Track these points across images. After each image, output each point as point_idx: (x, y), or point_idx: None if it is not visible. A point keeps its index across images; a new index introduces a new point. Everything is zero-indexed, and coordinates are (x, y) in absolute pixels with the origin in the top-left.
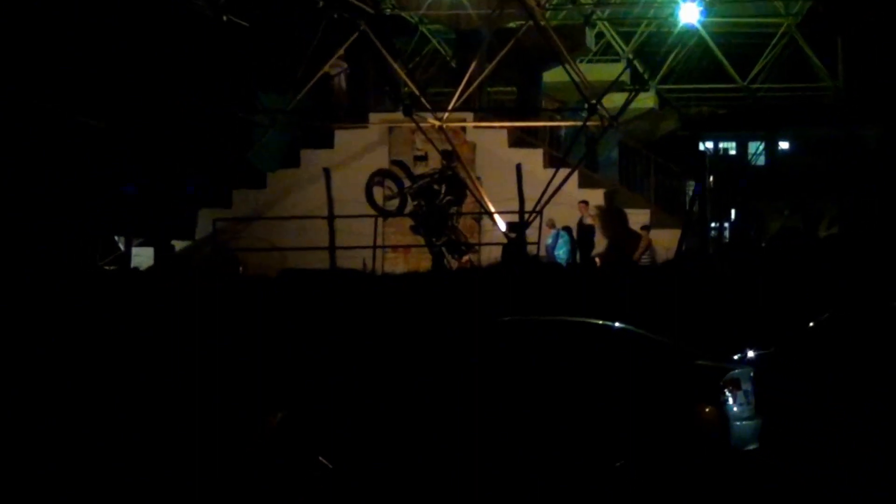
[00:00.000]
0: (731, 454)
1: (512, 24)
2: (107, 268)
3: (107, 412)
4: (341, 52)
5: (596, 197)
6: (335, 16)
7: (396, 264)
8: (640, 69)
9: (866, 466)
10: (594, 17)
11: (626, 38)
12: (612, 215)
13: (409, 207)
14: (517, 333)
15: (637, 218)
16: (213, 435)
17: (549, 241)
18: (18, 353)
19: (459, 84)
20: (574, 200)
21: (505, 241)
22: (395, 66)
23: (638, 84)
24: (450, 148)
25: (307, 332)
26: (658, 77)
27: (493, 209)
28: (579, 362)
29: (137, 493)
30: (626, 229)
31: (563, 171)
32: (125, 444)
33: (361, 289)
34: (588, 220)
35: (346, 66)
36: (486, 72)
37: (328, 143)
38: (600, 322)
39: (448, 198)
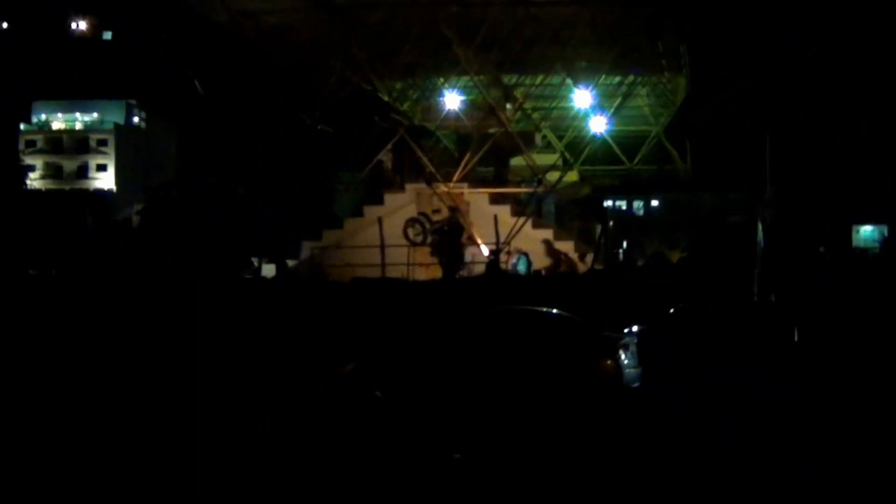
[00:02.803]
0: (623, 389)
1: (492, 130)
2: (247, 276)
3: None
4: (389, 146)
5: (543, 234)
6: (385, 125)
7: (421, 274)
8: (568, 157)
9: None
10: (541, 126)
11: (560, 138)
12: (550, 247)
13: (429, 240)
14: (499, 316)
15: (566, 247)
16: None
17: (514, 260)
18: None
19: (459, 165)
20: (529, 237)
21: (488, 260)
22: (421, 154)
23: (567, 165)
24: (454, 204)
25: (368, 314)
26: (579, 161)
27: (480, 241)
28: (534, 333)
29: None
30: (560, 254)
31: (522, 219)
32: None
33: (401, 289)
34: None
35: (391, 154)
36: (476, 158)
37: (380, 202)
38: (545, 309)
39: (453, 234)
